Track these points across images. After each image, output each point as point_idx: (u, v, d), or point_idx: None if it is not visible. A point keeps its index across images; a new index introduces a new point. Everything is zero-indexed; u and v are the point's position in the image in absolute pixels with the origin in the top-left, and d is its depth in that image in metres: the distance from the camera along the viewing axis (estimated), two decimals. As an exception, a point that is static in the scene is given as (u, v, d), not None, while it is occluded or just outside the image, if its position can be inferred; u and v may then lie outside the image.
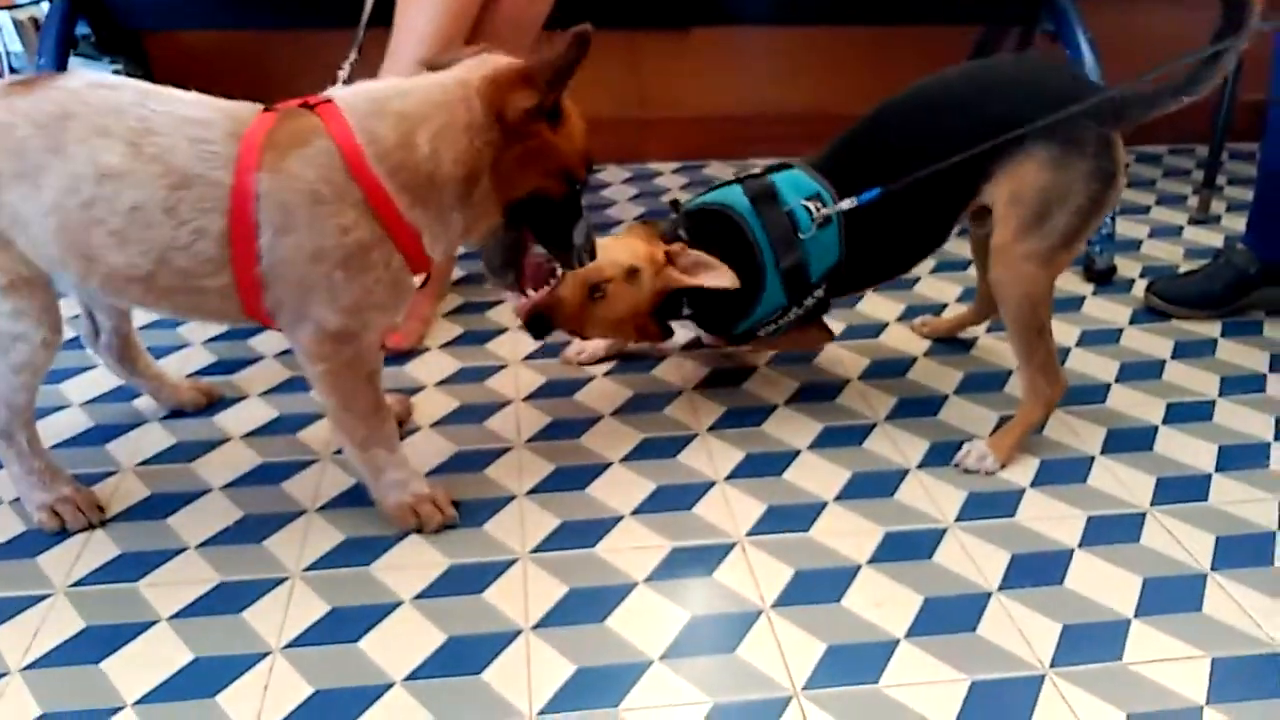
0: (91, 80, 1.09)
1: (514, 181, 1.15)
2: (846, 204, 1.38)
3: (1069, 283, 1.97)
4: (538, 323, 1.41)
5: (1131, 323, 1.83)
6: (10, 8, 2.03)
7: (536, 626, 1.13)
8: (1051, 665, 1.08)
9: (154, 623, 1.13)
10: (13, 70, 2.05)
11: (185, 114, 1.08)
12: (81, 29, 1.98)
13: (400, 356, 1.68)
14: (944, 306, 1.87)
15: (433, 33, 1.65)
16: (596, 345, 1.67)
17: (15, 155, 1.07)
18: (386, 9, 1.69)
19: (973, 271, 1.90)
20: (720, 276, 1.40)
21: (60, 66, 1.89)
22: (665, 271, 1.44)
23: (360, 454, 1.23)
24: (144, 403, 1.54)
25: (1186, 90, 1.28)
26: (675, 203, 1.55)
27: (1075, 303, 1.90)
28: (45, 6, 2.02)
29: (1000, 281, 1.35)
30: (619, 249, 1.44)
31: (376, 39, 1.70)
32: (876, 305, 1.87)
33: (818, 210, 1.38)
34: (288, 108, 1.13)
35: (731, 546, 1.25)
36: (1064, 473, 1.40)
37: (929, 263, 2.00)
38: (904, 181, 1.33)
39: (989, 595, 1.18)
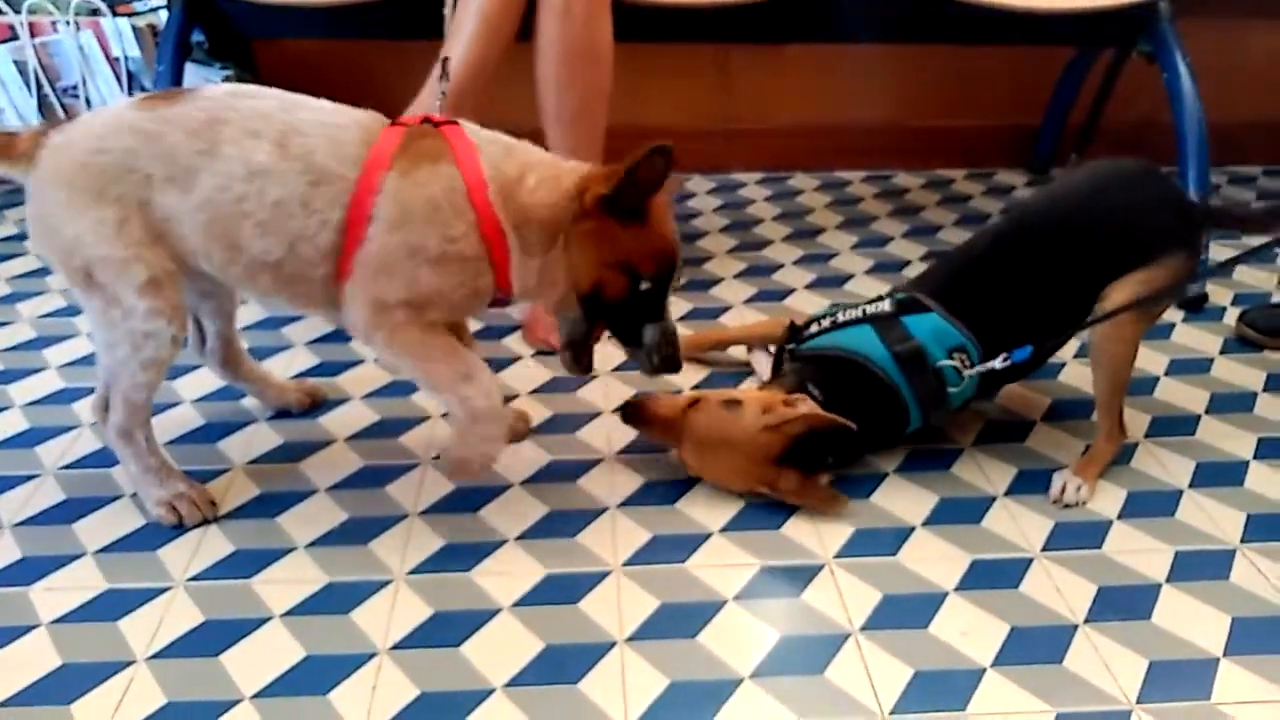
0: (232, 90, 1.20)
1: (581, 259, 1.24)
2: (998, 363, 1.37)
3: (1158, 309, 1.96)
4: (630, 412, 1.45)
5: (1222, 352, 1.81)
6: (130, 15, 2.12)
7: (630, 639, 1.17)
8: (1138, 701, 1.09)
9: (268, 619, 1.19)
10: (130, 74, 2.14)
11: (326, 119, 1.20)
12: (195, 36, 2.06)
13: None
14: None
15: (465, 55, 1.69)
16: None
17: (166, 160, 1.16)
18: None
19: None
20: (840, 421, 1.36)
21: (177, 72, 1.98)
22: (778, 409, 1.36)
23: (454, 399, 1.26)
24: (252, 402, 1.61)
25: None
26: (792, 326, 1.55)
27: (1164, 330, 1.88)
28: (163, 15, 2.10)
29: (1102, 346, 1.41)
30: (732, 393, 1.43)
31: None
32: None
33: (964, 363, 1.40)
34: (414, 125, 1.22)
35: (820, 568, 1.28)
36: (1152, 505, 1.41)
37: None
38: (1060, 339, 1.42)
39: (1075, 627, 1.19)
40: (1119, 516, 1.38)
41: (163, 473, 1.34)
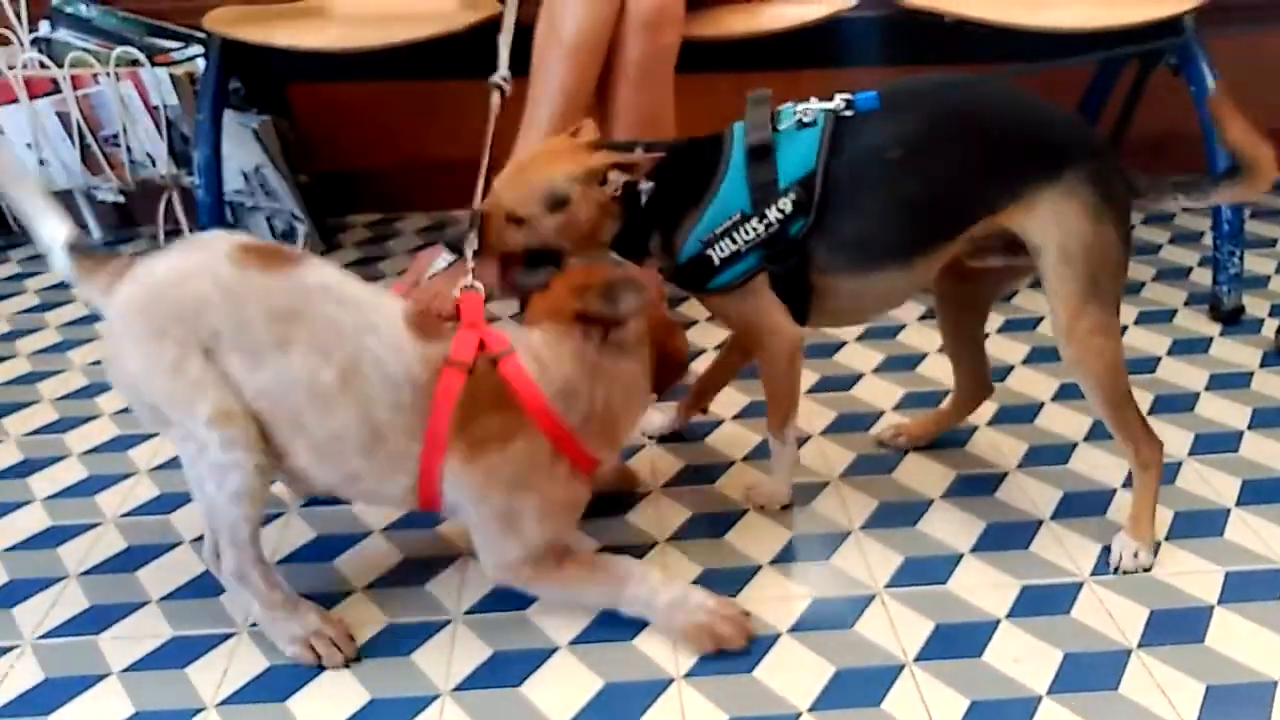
0: (322, 281, 1.16)
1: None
2: (838, 101, 1.26)
3: (1194, 323, 1.96)
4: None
5: (1262, 365, 1.81)
6: (168, 64, 2.16)
7: (688, 675, 1.18)
8: (1197, 727, 1.10)
9: (331, 663, 1.22)
10: (169, 123, 2.18)
11: (386, 358, 1.15)
12: (232, 84, 2.11)
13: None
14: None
15: (561, 89, 1.73)
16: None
17: (238, 327, 1.12)
18: (521, 57, 1.77)
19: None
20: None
21: (216, 119, 2.01)
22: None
23: (633, 607, 1.25)
24: (303, 445, 1.64)
25: (1188, 191, 1.28)
26: None
27: (1202, 344, 1.89)
28: (201, 63, 2.15)
29: (1076, 362, 1.27)
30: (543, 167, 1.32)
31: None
32: (1001, 347, 1.89)
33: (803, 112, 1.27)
34: (468, 373, 1.17)
35: (871, 598, 1.29)
36: (1199, 525, 1.41)
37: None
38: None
39: (1129, 652, 1.20)
40: (1167, 537, 1.39)
41: (289, 606, 1.23)
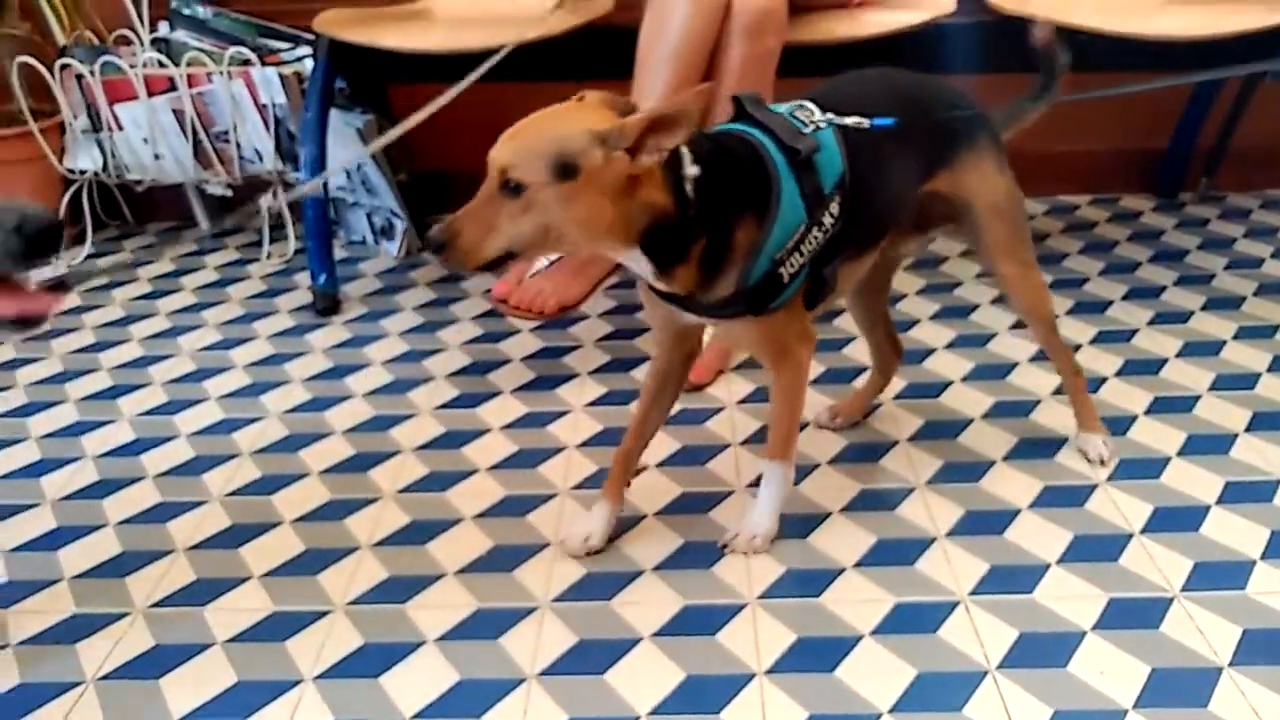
0: None
1: None
2: (851, 120, 1.27)
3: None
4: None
5: (1369, 385, 1.76)
6: (277, 64, 2.25)
7: (769, 671, 1.20)
8: (1289, 748, 1.08)
9: (422, 643, 1.26)
10: (277, 120, 2.26)
11: None
12: (338, 83, 2.18)
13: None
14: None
15: (665, 91, 1.75)
16: None
17: None
18: (619, 61, 1.80)
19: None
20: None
21: (323, 118, 2.09)
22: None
23: None
24: (400, 431, 1.70)
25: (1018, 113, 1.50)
26: None
27: (1305, 360, 1.84)
28: (308, 63, 2.22)
29: (1026, 302, 1.50)
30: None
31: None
32: (1095, 360, 1.86)
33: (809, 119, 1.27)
34: None
35: (955, 605, 1.29)
36: (1297, 545, 1.38)
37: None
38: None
39: (1220, 670, 1.18)
40: (1263, 557, 1.36)
41: None
